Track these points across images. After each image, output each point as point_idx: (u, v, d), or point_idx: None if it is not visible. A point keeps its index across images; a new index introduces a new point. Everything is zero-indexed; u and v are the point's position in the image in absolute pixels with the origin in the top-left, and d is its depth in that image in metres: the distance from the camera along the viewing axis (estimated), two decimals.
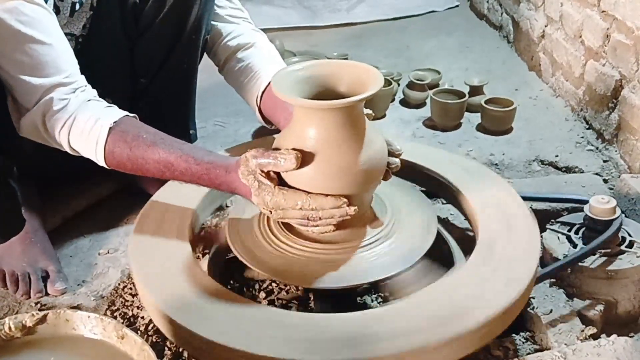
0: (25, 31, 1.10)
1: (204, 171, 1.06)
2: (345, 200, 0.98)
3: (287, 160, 0.97)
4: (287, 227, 1.09)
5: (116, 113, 1.14)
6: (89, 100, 1.15)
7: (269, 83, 1.28)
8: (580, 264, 1.18)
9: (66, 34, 1.33)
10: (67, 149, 1.16)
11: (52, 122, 1.13)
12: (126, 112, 1.15)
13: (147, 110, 1.53)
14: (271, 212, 1.02)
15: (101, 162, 1.13)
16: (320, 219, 1.00)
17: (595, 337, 1.08)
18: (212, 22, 1.45)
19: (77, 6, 1.32)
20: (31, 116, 1.14)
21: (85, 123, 1.11)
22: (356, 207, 0.99)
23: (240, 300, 0.98)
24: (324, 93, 1.02)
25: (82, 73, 1.41)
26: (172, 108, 1.56)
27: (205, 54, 1.51)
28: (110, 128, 1.10)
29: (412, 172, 1.27)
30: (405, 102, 2.09)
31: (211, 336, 0.89)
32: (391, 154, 1.08)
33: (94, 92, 1.18)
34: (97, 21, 1.39)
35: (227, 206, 1.46)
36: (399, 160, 1.10)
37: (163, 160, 1.08)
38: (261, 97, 1.32)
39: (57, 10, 1.29)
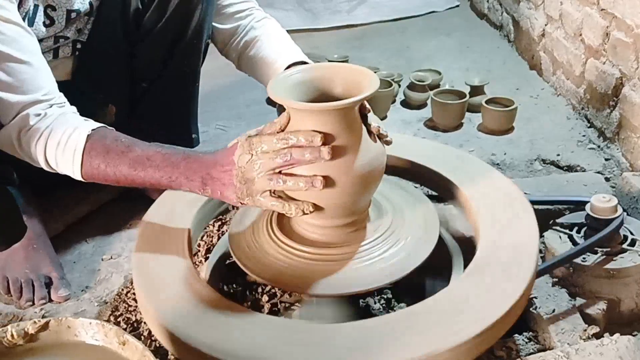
0: (2, 49, 1.10)
1: (184, 156, 1.03)
2: (320, 135, 0.94)
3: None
4: (287, 232, 1.09)
5: (94, 124, 1.13)
6: (66, 114, 1.14)
7: (287, 68, 1.30)
8: (582, 263, 1.18)
9: (59, 37, 1.34)
10: (42, 163, 1.14)
11: (28, 135, 1.12)
12: (104, 124, 1.14)
13: (148, 115, 1.54)
14: (251, 148, 0.96)
15: (77, 173, 1.11)
16: (291, 155, 0.94)
17: (598, 336, 1.08)
18: (220, 26, 1.46)
19: (74, 14, 1.33)
20: (7, 131, 1.13)
21: (62, 134, 1.10)
22: (329, 149, 0.94)
23: (240, 309, 0.98)
24: (321, 96, 1.02)
25: (83, 78, 1.42)
26: (174, 113, 1.57)
27: (206, 58, 1.52)
28: (88, 135, 1.09)
29: (412, 170, 1.27)
30: (406, 103, 2.09)
31: (210, 350, 0.89)
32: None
33: (73, 108, 1.17)
34: (99, 27, 1.40)
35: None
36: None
37: (140, 157, 1.05)
38: None
39: (51, 21, 1.30)
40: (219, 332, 0.93)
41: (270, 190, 0.98)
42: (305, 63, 1.34)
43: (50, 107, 1.14)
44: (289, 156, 0.95)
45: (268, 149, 0.96)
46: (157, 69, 1.49)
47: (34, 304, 1.30)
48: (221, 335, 0.92)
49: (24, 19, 1.21)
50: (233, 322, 0.95)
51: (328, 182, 0.97)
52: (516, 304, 0.95)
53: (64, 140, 1.10)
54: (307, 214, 0.99)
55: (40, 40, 1.30)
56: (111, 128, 1.14)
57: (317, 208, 0.99)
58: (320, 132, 0.95)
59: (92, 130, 1.10)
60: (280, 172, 0.97)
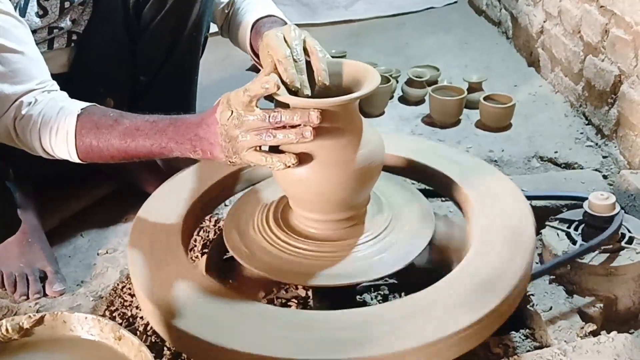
0: None
1: (170, 121, 1.03)
2: (316, 112, 0.93)
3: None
4: (285, 224, 1.09)
5: (83, 103, 1.13)
6: (56, 98, 1.14)
7: (255, 22, 1.31)
8: (580, 260, 1.17)
9: (53, 28, 1.33)
10: (39, 150, 1.14)
11: (22, 123, 1.12)
12: (94, 103, 1.13)
13: (147, 108, 1.53)
14: (229, 105, 0.95)
15: (73, 154, 1.10)
16: (281, 116, 0.94)
17: (595, 334, 1.08)
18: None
19: (67, 4, 1.32)
20: (3, 122, 1.13)
21: (53, 118, 1.10)
22: (318, 113, 0.92)
23: (239, 298, 0.98)
24: (321, 92, 1.01)
25: (81, 71, 1.41)
26: (173, 106, 1.55)
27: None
28: (78, 115, 1.09)
29: (410, 168, 1.27)
30: (404, 100, 2.08)
31: (209, 338, 0.89)
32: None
33: (64, 93, 1.17)
34: (98, 19, 1.39)
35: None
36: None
37: (129, 128, 1.05)
38: (250, 42, 1.33)
39: (44, 11, 1.29)
40: (217, 321, 0.92)
41: (255, 146, 0.96)
42: (274, 16, 1.33)
43: (42, 93, 1.14)
44: (279, 118, 0.94)
45: (249, 107, 0.94)
46: (157, 62, 1.49)
47: (28, 298, 1.30)
48: (219, 324, 0.92)
49: (15, 9, 1.21)
50: (230, 310, 0.94)
51: (318, 132, 0.94)
52: (508, 297, 0.94)
53: (55, 124, 1.10)
54: (289, 166, 0.96)
55: (34, 32, 1.30)
56: (98, 105, 1.14)
57: (302, 160, 0.97)
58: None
59: (81, 109, 1.10)
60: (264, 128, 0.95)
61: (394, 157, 1.25)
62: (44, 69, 1.18)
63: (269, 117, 0.94)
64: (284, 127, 0.95)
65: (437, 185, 1.26)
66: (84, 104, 1.12)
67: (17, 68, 1.12)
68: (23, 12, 1.26)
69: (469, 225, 1.13)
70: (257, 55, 1.31)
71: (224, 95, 0.98)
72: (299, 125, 0.94)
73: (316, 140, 0.96)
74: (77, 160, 1.12)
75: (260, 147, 0.97)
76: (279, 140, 0.95)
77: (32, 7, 1.27)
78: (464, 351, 0.91)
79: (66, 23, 1.35)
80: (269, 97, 0.97)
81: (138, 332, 1.18)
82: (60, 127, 1.09)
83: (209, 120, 0.99)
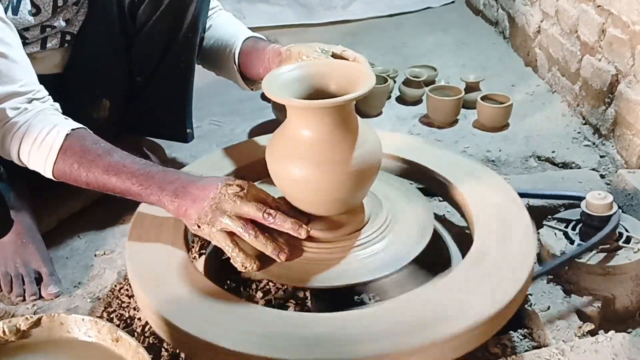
0: None
1: (162, 170, 1.04)
2: (307, 228, 0.99)
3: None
4: None
5: (74, 123, 1.13)
6: (46, 110, 1.14)
7: (243, 42, 1.35)
8: (577, 260, 1.17)
9: (46, 26, 1.33)
10: (14, 157, 1.14)
11: (5, 128, 1.12)
12: (84, 126, 1.14)
13: (143, 109, 1.53)
14: (242, 183, 0.99)
15: (48, 170, 1.10)
16: (274, 217, 0.97)
17: (593, 333, 1.08)
18: None
19: (60, 2, 1.31)
20: None
21: (40, 131, 1.10)
22: (308, 231, 0.99)
23: (236, 300, 0.98)
24: (316, 93, 1.02)
25: (76, 72, 1.41)
26: (169, 107, 1.56)
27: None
28: (67, 134, 1.09)
29: (407, 168, 1.27)
30: (401, 100, 2.08)
31: (207, 337, 0.89)
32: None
33: (56, 104, 1.17)
34: (94, 21, 1.39)
35: None
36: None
37: (117, 162, 1.05)
38: (239, 62, 1.35)
39: (37, 9, 1.29)
40: (214, 321, 0.93)
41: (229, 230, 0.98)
42: (260, 38, 1.38)
43: (30, 101, 1.14)
44: (272, 218, 0.97)
45: (258, 197, 0.98)
46: (153, 63, 1.48)
47: (24, 299, 1.29)
48: (215, 323, 0.92)
49: (7, 8, 1.20)
50: (228, 311, 0.95)
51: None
52: (511, 302, 0.94)
53: (41, 137, 1.10)
54: (249, 270, 0.99)
55: (26, 29, 1.29)
56: (90, 131, 1.14)
57: (260, 268, 0.99)
58: (305, 219, 1.02)
59: (72, 130, 1.10)
60: (252, 222, 0.97)
61: (391, 156, 1.25)
62: (30, 73, 1.17)
63: (264, 212, 0.97)
64: (265, 231, 0.98)
65: (433, 186, 1.26)
66: (75, 124, 1.12)
67: None
68: (16, 10, 1.25)
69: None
70: (244, 78, 1.37)
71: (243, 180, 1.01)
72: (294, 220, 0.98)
73: (313, 142, 0.97)
74: (49, 177, 1.12)
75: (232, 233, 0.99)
76: (255, 243, 0.97)
77: (25, 5, 1.26)
78: None
79: (60, 23, 1.35)
80: (266, 98, 0.98)
81: (136, 334, 1.18)
82: (46, 142, 1.09)
83: (207, 184, 1.00)
